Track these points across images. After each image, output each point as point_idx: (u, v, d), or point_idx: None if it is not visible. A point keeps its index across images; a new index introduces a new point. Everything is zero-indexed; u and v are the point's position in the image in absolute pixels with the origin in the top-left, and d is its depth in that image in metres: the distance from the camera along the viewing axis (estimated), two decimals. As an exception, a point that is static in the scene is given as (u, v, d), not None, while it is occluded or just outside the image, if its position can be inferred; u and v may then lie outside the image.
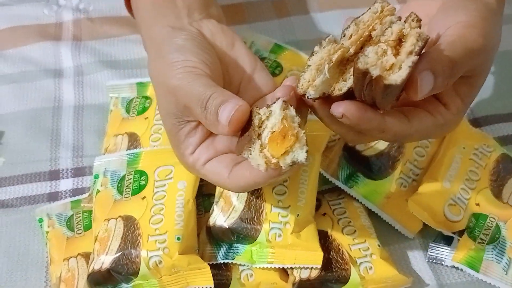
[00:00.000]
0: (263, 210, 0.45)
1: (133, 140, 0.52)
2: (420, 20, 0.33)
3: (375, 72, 0.30)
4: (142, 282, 0.44)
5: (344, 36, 0.33)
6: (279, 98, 0.34)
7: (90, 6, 0.71)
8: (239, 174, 0.37)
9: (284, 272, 0.46)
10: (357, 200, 0.49)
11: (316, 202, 0.48)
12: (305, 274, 0.44)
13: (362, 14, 0.33)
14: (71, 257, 0.47)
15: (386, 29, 0.32)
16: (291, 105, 0.34)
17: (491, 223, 0.47)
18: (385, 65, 0.30)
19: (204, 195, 0.50)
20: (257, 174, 0.35)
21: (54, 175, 0.56)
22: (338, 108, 0.33)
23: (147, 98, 0.55)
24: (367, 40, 0.32)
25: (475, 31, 0.36)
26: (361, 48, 0.33)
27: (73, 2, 0.72)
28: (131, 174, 0.48)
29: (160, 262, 0.43)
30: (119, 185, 0.48)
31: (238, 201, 0.46)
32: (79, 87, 0.63)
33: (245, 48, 0.44)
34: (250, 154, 0.33)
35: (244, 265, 0.45)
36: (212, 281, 0.44)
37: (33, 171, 0.57)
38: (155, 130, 0.52)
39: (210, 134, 0.40)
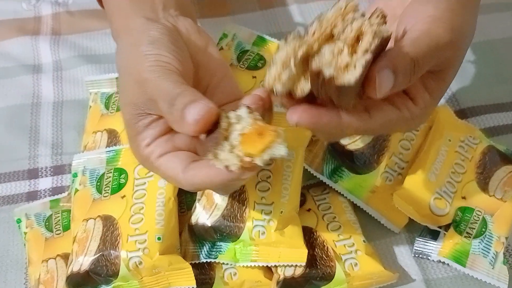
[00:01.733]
0: (246, 207, 0.44)
1: (113, 137, 0.51)
2: (385, 16, 0.32)
3: (328, 72, 0.30)
4: (122, 284, 0.43)
5: (308, 33, 0.32)
6: (245, 104, 0.34)
7: (69, 0, 0.70)
8: (196, 171, 0.35)
9: (268, 270, 0.45)
10: (342, 194, 0.48)
11: (300, 197, 0.47)
12: (289, 272, 0.43)
13: (327, 11, 0.33)
14: (50, 258, 0.46)
15: (347, 26, 0.31)
16: (256, 112, 0.33)
17: (478, 217, 0.46)
18: (340, 65, 0.30)
19: (187, 192, 0.49)
20: (215, 173, 0.34)
21: (33, 174, 0.55)
22: (292, 116, 0.33)
23: (127, 93, 0.54)
24: (330, 38, 0.31)
25: (441, 25, 0.35)
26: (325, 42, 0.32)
27: (52, -5, 0.70)
28: (111, 172, 0.47)
29: (140, 263, 0.42)
30: (98, 183, 0.47)
31: (220, 199, 0.45)
32: (58, 82, 0.62)
33: (217, 53, 0.44)
34: (217, 156, 0.32)
35: (227, 264, 0.44)
36: (195, 281, 0.43)
37: (12, 169, 0.55)
38: (135, 127, 0.51)
39: (170, 130, 0.38)
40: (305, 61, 0.32)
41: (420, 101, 0.37)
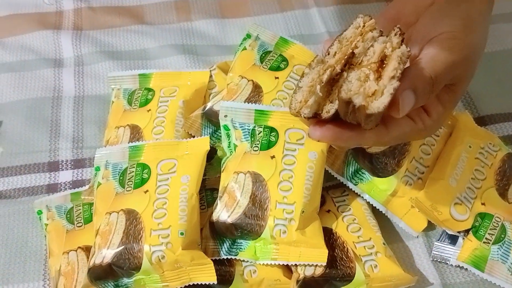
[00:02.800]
0: (267, 206, 0.44)
1: (135, 133, 0.51)
2: (403, 34, 0.33)
3: (357, 101, 0.30)
4: (144, 277, 0.43)
5: (329, 54, 0.33)
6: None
7: (91, -5, 0.70)
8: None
9: (287, 269, 0.45)
10: (362, 197, 0.49)
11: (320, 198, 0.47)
12: (309, 271, 0.43)
13: (345, 30, 0.33)
14: (71, 250, 0.46)
15: (368, 48, 0.32)
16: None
17: (497, 223, 0.46)
18: (367, 92, 0.31)
19: (207, 189, 0.50)
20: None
21: (53, 167, 0.55)
22: (315, 133, 0.34)
23: (149, 90, 0.54)
24: (351, 57, 0.32)
25: (457, 42, 0.36)
26: (345, 65, 0.33)
27: (73, -10, 0.71)
28: (133, 167, 0.47)
29: (163, 257, 0.42)
30: (121, 178, 0.47)
31: (242, 197, 0.45)
32: (79, 77, 0.62)
33: None
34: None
35: (247, 261, 0.45)
36: (215, 277, 0.43)
37: (32, 162, 0.56)
38: (158, 123, 0.51)
39: None
40: (329, 83, 0.32)
41: (433, 113, 0.38)
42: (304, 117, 0.33)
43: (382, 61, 0.32)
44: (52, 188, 0.54)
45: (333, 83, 0.33)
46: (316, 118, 0.33)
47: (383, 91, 0.31)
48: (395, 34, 0.33)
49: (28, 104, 0.60)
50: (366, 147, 0.48)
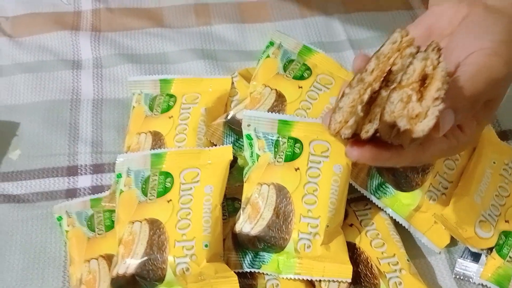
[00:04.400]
0: (291, 219, 0.44)
1: (157, 139, 0.51)
2: (440, 49, 0.32)
3: (402, 124, 0.30)
4: (167, 289, 0.43)
5: (366, 71, 0.32)
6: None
7: (109, -4, 0.70)
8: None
9: (310, 285, 0.45)
10: (385, 211, 0.49)
11: (342, 211, 0.47)
12: (333, 287, 0.43)
13: (382, 46, 0.33)
14: (92, 258, 0.46)
15: (408, 66, 0.31)
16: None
17: (521, 241, 0.46)
18: (411, 114, 0.30)
19: (228, 198, 0.50)
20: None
21: (72, 171, 0.55)
22: (353, 153, 0.34)
23: (171, 96, 0.54)
24: (388, 74, 0.32)
25: (498, 60, 0.35)
26: (383, 82, 0.32)
27: (92, -10, 0.71)
28: (156, 175, 0.47)
29: (188, 269, 0.42)
30: (144, 186, 0.47)
31: (266, 209, 0.45)
32: (98, 80, 0.62)
33: None
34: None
35: (270, 274, 0.45)
36: (239, 290, 0.43)
37: (51, 165, 0.55)
38: (180, 130, 0.51)
39: None
40: (368, 102, 0.32)
41: (467, 129, 0.38)
42: (344, 138, 0.32)
43: (423, 80, 0.31)
44: (71, 193, 0.53)
45: (371, 101, 0.32)
46: (353, 138, 0.33)
47: (426, 112, 0.30)
48: (433, 50, 0.32)
49: (46, 106, 0.60)
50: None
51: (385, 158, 0.34)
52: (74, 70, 0.63)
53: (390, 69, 0.32)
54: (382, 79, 0.32)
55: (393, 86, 0.32)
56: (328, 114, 0.34)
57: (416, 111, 0.30)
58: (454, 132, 0.37)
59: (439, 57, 0.32)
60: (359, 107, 0.31)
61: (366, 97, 0.31)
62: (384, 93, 0.32)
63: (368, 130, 0.32)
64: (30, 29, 0.66)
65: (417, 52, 0.33)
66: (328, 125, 0.33)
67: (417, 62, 0.32)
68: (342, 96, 0.32)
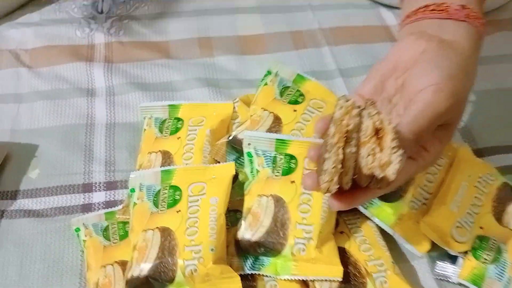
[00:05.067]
0: (288, 226, 0.49)
1: (167, 158, 0.56)
2: (375, 103, 0.40)
3: (377, 173, 0.38)
4: (177, 289, 0.48)
5: (329, 135, 0.39)
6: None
7: (120, 31, 0.76)
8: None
9: (305, 285, 0.50)
10: (371, 220, 0.54)
11: (333, 221, 0.52)
12: (325, 286, 0.48)
13: (334, 113, 0.40)
14: (108, 264, 0.51)
15: (360, 125, 0.39)
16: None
17: (493, 245, 0.51)
18: (381, 164, 0.38)
19: (230, 210, 0.55)
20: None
21: (87, 188, 0.60)
22: (334, 204, 0.41)
23: (179, 119, 0.60)
24: (348, 131, 0.39)
25: (443, 95, 0.42)
26: (345, 138, 0.39)
27: (104, 26, 0.77)
28: (166, 189, 0.52)
29: (196, 270, 0.47)
30: (155, 199, 0.52)
31: (265, 217, 0.50)
32: (110, 106, 0.68)
33: None
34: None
35: (269, 276, 0.49)
36: (242, 290, 0.48)
37: (68, 183, 0.60)
38: (187, 149, 0.57)
39: None
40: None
41: (432, 149, 0.45)
42: (332, 193, 0.39)
43: (377, 133, 0.39)
44: (86, 208, 0.58)
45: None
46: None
47: (390, 159, 0.38)
48: (370, 105, 0.41)
49: (63, 129, 0.65)
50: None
51: (364, 199, 0.42)
52: (88, 97, 0.69)
53: (346, 129, 0.39)
54: (344, 138, 0.39)
55: (353, 143, 0.39)
56: (309, 175, 0.41)
57: (383, 161, 0.38)
58: (421, 153, 0.44)
59: (377, 112, 0.40)
60: (339, 165, 0.38)
61: (341, 157, 0.38)
62: (347, 149, 0.39)
63: (347, 182, 0.39)
64: (48, 60, 0.72)
65: (361, 110, 0.40)
66: (313, 186, 0.41)
67: (366, 121, 0.39)
68: (324, 160, 0.38)
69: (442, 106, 0.42)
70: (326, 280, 0.48)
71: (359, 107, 0.40)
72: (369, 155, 0.39)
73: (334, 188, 0.38)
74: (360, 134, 0.39)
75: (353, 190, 0.41)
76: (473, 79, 0.46)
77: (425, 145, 0.44)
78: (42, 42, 0.75)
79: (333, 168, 0.38)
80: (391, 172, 0.38)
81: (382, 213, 0.53)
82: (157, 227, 0.50)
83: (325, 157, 0.38)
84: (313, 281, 0.49)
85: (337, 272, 0.48)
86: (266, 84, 0.60)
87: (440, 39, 0.44)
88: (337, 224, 0.53)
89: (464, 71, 0.44)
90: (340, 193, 0.40)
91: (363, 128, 0.39)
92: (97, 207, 0.58)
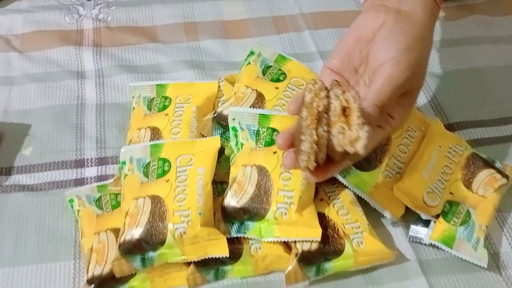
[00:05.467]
0: (271, 192, 0.53)
1: (155, 133, 0.59)
2: (340, 83, 0.46)
3: (349, 150, 0.43)
4: (167, 251, 0.51)
5: (303, 118, 0.44)
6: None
7: (108, 17, 0.79)
8: None
9: (287, 247, 0.53)
10: (349, 188, 0.57)
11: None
12: (306, 247, 0.51)
13: (304, 97, 0.45)
14: (101, 231, 0.54)
15: (328, 105, 0.44)
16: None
17: (463, 209, 0.55)
18: (351, 140, 0.43)
19: (217, 182, 0.58)
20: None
21: (79, 164, 0.63)
22: (312, 177, 0.47)
23: (166, 97, 0.63)
24: (319, 112, 0.44)
25: (400, 67, 0.47)
26: (317, 120, 0.44)
27: (92, 12, 0.80)
28: (155, 161, 0.55)
29: (185, 232, 0.50)
30: (145, 170, 0.55)
31: (249, 185, 0.53)
32: (100, 87, 0.70)
33: None
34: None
35: (253, 239, 0.53)
36: (228, 251, 0.51)
37: (60, 159, 0.63)
38: (175, 125, 0.60)
39: None
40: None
41: (396, 115, 0.50)
42: (312, 169, 0.43)
43: (344, 111, 0.44)
44: (79, 182, 0.61)
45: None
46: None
47: (359, 135, 0.42)
48: (334, 85, 0.45)
49: (54, 110, 0.68)
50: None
51: (337, 170, 0.48)
52: (78, 80, 0.71)
53: (317, 111, 0.44)
54: (316, 119, 0.44)
55: (324, 122, 0.43)
56: (287, 156, 0.46)
57: (352, 137, 0.43)
58: (387, 121, 0.49)
59: (343, 91, 0.44)
60: (314, 146, 0.43)
61: (315, 138, 0.43)
62: (319, 129, 0.43)
63: (322, 158, 0.44)
64: (38, 45, 0.75)
65: (327, 91, 0.45)
66: (292, 165, 0.46)
67: (334, 101, 0.44)
68: (301, 141, 0.43)
69: (401, 77, 0.47)
70: (306, 241, 0.52)
71: (326, 89, 0.45)
72: (339, 133, 0.43)
73: (312, 165, 0.43)
74: (330, 114, 0.44)
75: (327, 163, 0.45)
76: (430, 47, 0.51)
77: (390, 112, 0.49)
78: (32, 28, 0.77)
79: (310, 148, 0.43)
80: (360, 147, 0.42)
81: (359, 182, 0.57)
82: (147, 195, 0.52)
83: (301, 138, 0.43)
84: (294, 242, 0.52)
85: (316, 233, 0.51)
86: (249, 63, 0.63)
87: (398, 11, 0.49)
88: (316, 192, 0.57)
89: (420, 42, 0.48)
90: (315, 168, 0.44)
91: (332, 109, 0.44)
92: (89, 181, 0.61)
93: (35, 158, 0.63)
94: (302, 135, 0.43)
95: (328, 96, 0.45)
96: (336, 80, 0.46)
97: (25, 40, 0.76)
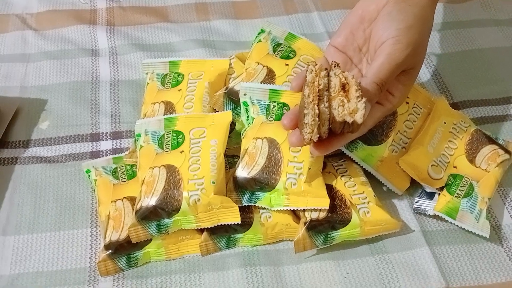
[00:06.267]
0: (281, 164, 0.55)
1: (169, 108, 0.61)
2: (339, 64, 0.49)
3: (348, 119, 0.45)
4: (181, 218, 0.53)
5: (305, 96, 0.47)
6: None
7: (121, -3, 0.81)
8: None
9: (296, 217, 0.55)
10: (356, 162, 0.59)
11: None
12: (314, 215, 0.53)
13: (306, 77, 0.47)
14: (118, 199, 0.56)
15: (329, 83, 0.47)
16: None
17: (466, 182, 0.57)
18: (350, 111, 0.46)
19: (228, 156, 0.60)
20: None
21: (95, 137, 0.65)
22: (315, 151, 0.50)
23: (179, 74, 0.65)
24: (320, 90, 0.47)
25: (400, 47, 0.49)
26: (318, 97, 0.47)
27: (105, -8, 0.81)
28: (169, 133, 0.57)
29: (199, 200, 0.52)
30: (160, 141, 0.57)
31: (260, 157, 0.55)
32: (114, 65, 0.72)
33: None
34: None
35: (264, 208, 0.55)
36: (240, 218, 0.53)
37: (76, 133, 0.65)
38: (188, 100, 0.62)
39: None
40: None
41: (396, 92, 0.52)
42: (315, 141, 0.46)
43: (344, 88, 0.47)
44: (95, 155, 0.63)
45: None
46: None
47: (357, 107, 0.45)
48: (334, 66, 0.48)
49: (70, 86, 0.70)
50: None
51: (339, 144, 0.50)
52: (93, 57, 0.73)
53: (318, 89, 0.47)
54: (317, 96, 0.46)
55: (325, 99, 0.46)
56: (293, 134, 0.50)
57: (351, 109, 0.46)
58: (387, 98, 0.51)
59: (342, 71, 0.48)
60: (317, 119, 0.45)
61: (317, 111, 0.46)
62: (321, 105, 0.46)
63: (325, 132, 0.47)
64: (53, 23, 0.77)
65: (327, 71, 0.48)
66: (297, 143, 0.49)
67: (334, 79, 0.47)
68: (304, 116, 0.46)
69: (401, 56, 0.49)
70: (314, 210, 0.54)
71: (326, 69, 0.48)
72: (339, 106, 0.46)
73: (315, 137, 0.46)
74: (330, 91, 0.47)
75: (330, 138, 0.48)
76: (430, 27, 0.53)
77: (391, 90, 0.51)
78: (46, 7, 0.79)
79: (312, 121, 0.45)
80: (358, 117, 0.45)
81: (365, 156, 0.59)
82: (162, 165, 0.55)
83: (304, 113, 0.46)
84: (303, 211, 0.54)
85: (325, 202, 0.53)
86: (260, 41, 0.65)
87: None
88: (324, 166, 0.59)
89: (420, 22, 0.50)
90: (319, 142, 0.47)
91: (332, 86, 0.47)
92: (105, 154, 0.63)
93: (51, 132, 0.65)
94: (305, 109, 0.46)
95: (328, 75, 0.48)
96: (336, 62, 0.49)
97: (40, 19, 0.78)
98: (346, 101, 0.46)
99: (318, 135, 0.46)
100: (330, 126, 0.47)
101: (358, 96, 0.46)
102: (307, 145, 0.50)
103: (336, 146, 0.50)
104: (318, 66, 0.48)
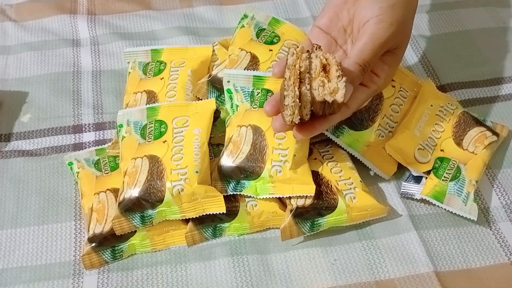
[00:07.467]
0: (266, 151, 0.54)
1: (151, 97, 0.60)
2: (320, 46, 0.48)
3: (328, 99, 0.45)
4: (165, 209, 0.52)
5: (286, 79, 0.46)
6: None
7: (102, -15, 0.79)
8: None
9: (283, 205, 0.55)
10: (343, 148, 0.58)
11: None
12: (300, 202, 0.53)
13: (287, 60, 0.47)
14: (101, 191, 0.55)
15: (310, 64, 0.46)
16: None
17: (453, 165, 0.56)
18: (330, 91, 0.45)
19: (213, 144, 0.59)
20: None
21: (77, 129, 0.64)
22: (298, 135, 0.48)
23: (161, 62, 0.63)
24: (301, 72, 0.46)
25: (383, 26, 0.48)
26: (300, 79, 0.46)
27: (85, -19, 0.80)
28: (152, 123, 0.56)
29: (182, 190, 0.51)
30: (142, 132, 0.56)
31: (245, 145, 0.54)
32: (95, 55, 0.71)
33: None
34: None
35: (250, 196, 0.54)
36: (225, 207, 0.52)
37: (58, 125, 0.64)
38: (170, 88, 0.60)
39: None
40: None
41: (381, 73, 0.51)
42: (296, 124, 0.46)
43: (324, 69, 0.46)
44: (77, 147, 0.62)
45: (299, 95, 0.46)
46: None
47: (337, 86, 0.45)
48: (316, 48, 0.47)
49: (51, 77, 0.69)
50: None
51: (322, 127, 0.48)
52: (74, 48, 0.72)
53: (299, 71, 0.46)
54: (298, 79, 0.46)
55: (307, 82, 0.46)
56: (276, 119, 0.48)
57: (332, 88, 0.45)
58: (372, 79, 0.50)
59: (323, 53, 0.47)
60: (297, 100, 0.45)
61: (297, 93, 0.45)
62: (302, 87, 0.46)
63: (307, 114, 0.46)
64: (32, 14, 0.75)
65: (309, 54, 0.47)
66: (280, 128, 0.48)
67: (315, 60, 0.47)
68: (284, 97, 0.45)
69: (384, 35, 0.48)
70: (300, 197, 0.53)
71: (308, 51, 0.47)
72: (319, 86, 0.45)
73: (297, 119, 0.45)
74: (311, 72, 0.46)
75: (313, 120, 0.47)
76: (415, 6, 0.52)
77: (375, 70, 0.50)
78: (26, -3, 0.77)
79: (293, 102, 0.45)
80: (339, 96, 0.45)
81: (351, 141, 0.58)
82: (145, 155, 0.54)
83: (284, 95, 0.45)
84: (289, 198, 0.54)
85: (310, 189, 0.53)
86: (243, 26, 0.64)
87: None
88: (311, 152, 0.58)
89: (404, 0, 0.49)
90: (302, 125, 0.47)
91: (313, 67, 0.46)
92: (88, 145, 0.62)
93: (33, 125, 0.64)
94: (285, 91, 0.45)
95: (310, 58, 0.47)
96: (317, 44, 0.49)
97: (19, 9, 0.76)
98: (327, 81, 0.45)
99: (299, 117, 0.45)
100: (312, 108, 0.46)
101: (338, 76, 0.45)
102: (290, 129, 0.49)
103: (319, 129, 0.49)
104: (299, 48, 0.47)
